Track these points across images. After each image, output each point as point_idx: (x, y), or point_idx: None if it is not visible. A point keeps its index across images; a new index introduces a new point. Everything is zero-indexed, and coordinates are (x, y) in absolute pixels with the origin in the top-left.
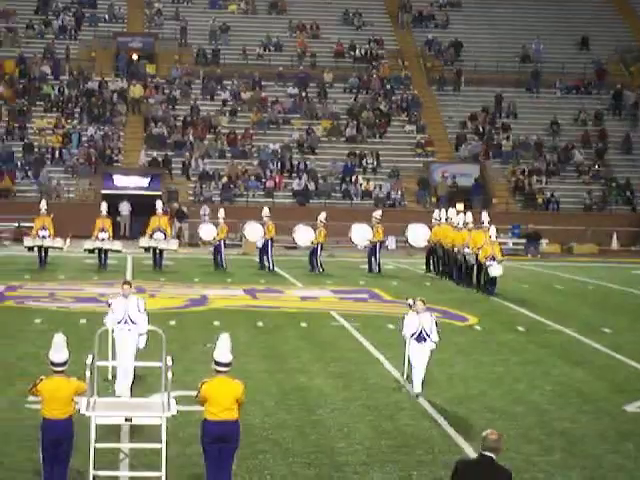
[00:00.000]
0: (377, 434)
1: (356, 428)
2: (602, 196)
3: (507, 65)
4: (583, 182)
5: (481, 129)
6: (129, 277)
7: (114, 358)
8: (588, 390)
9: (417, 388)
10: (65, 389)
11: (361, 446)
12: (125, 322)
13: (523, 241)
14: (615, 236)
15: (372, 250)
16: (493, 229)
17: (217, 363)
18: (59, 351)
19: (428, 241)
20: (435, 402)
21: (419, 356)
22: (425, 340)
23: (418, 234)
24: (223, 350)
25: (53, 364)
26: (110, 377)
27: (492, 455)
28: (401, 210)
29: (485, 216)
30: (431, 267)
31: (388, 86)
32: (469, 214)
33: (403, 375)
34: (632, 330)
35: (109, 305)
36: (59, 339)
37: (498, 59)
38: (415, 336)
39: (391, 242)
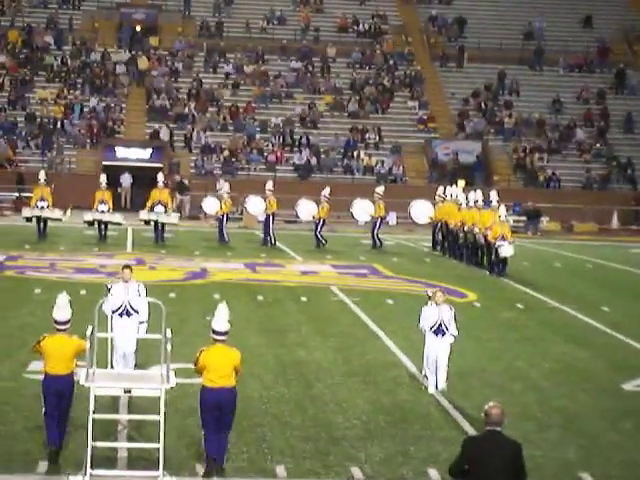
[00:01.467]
0: (375, 409)
1: (354, 403)
2: (603, 175)
3: (510, 42)
4: (584, 160)
5: (483, 106)
6: (129, 248)
7: (112, 347)
8: (586, 368)
9: (441, 383)
10: (67, 346)
11: (359, 421)
12: (125, 309)
13: (523, 219)
14: (615, 215)
15: (374, 226)
16: (503, 209)
17: (215, 332)
18: (62, 310)
19: (431, 218)
20: (433, 379)
21: (439, 350)
22: (444, 334)
23: (421, 211)
24: (221, 319)
25: (56, 322)
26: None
27: (498, 428)
28: (402, 186)
29: (494, 195)
30: (438, 245)
31: (391, 62)
32: (479, 192)
33: (422, 371)
34: (631, 308)
35: (108, 289)
36: (63, 298)
37: (501, 36)
38: (434, 329)
39: (392, 218)
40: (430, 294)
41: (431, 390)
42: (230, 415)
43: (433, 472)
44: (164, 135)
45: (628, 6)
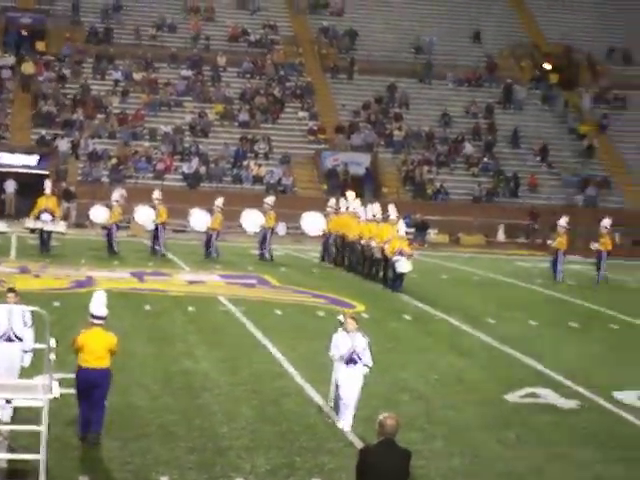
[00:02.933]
0: (262, 419)
1: (241, 413)
2: (490, 188)
3: (400, 55)
4: (472, 174)
5: (373, 118)
6: (13, 256)
7: None
8: (471, 379)
9: (347, 426)
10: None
11: (245, 431)
12: (8, 337)
13: (412, 230)
14: (502, 228)
15: (264, 236)
16: (402, 223)
17: (92, 316)
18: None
19: (324, 230)
20: (320, 388)
21: (350, 382)
22: (356, 363)
23: (313, 222)
24: (98, 304)
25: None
26: None
27: (392, 438)
28: (292, 196)
29: (393, 209)
30: (328, 257)
31: (282, 72)
32: (377, 205)
33: (329, 402)
34: (516, 321)
35: None
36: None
37: (392, 49)
38: (345, 359)
39: (281, 228)
40: (342, 320)
41: (342, 426)
42: (102, 393)
43: None
44: (62, 145)
45: (516, 22)
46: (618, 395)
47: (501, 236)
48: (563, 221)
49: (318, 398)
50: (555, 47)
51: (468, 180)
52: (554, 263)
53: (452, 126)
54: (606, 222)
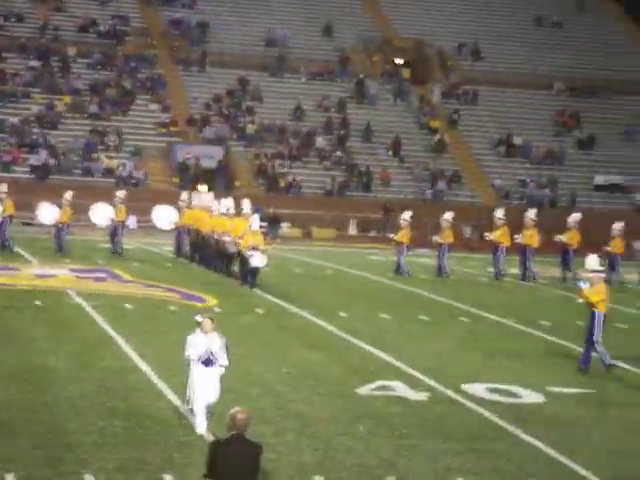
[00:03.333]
0: (111, 415)
1: (90, 408)
2: (342, 182)
3: (253, 49)
4: (324, 168)
5: (226, 111)
6: None
7: None
8: (323, 372)
9: (201, 427)
10: None
11: (94, 427)
12: None
13: (265, 224)
14: (354, 222)
15: (114, 230)
16: (255, 217)
17: None
18: None
19: (176, 224)
20: (171, 383)
21: (206, 384)
22: (213, 364)
23: (165, 216)
24: None
25: None
26: None
27: (242, 432)
28: (144, 189)
29: (247, 203)
30: (182, 250)
31: (133, 64)
32: (230, 199)
33: (186, 403)
34: (367, 314)
35: None
36: None
37: (244, 42)
38: (202, 359)
39: (132, 222)
40: (199, 320)
41: (199, 428)
42: None
43: (169, 477)
44: None
45: (367, 17)
46: (467, 387)
47: (353, 230)
48: (406, 215)
49: (169, 392)
50: (406, 42)
51: (321, 174)
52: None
53: (305, 120)
54: (448, 215)
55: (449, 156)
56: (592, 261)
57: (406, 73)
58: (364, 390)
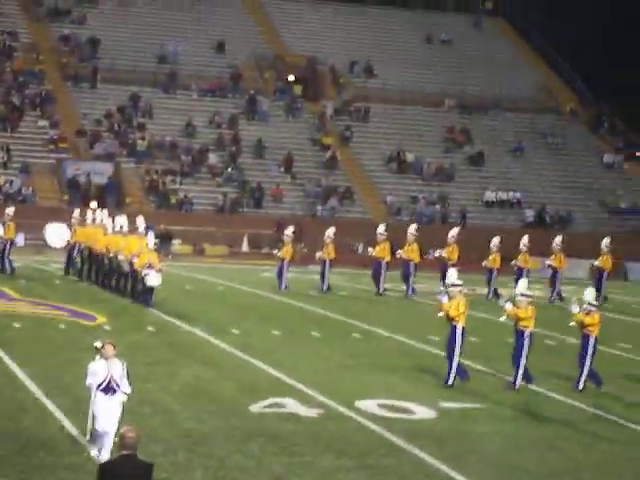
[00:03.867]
0: None
1: None
2: (234, 198)
3: (144, 65)
4: (216, 184)
5: (116, 127)
6: None
7: None
8: (215, 390)
9: (106, 453)
10: None
11: None
12: None
13: (156, 241)
14: (246, 238)
15: (3, 248)
16: (151, 235)
17: None
18: None
19: (68, 242)
20: (60, 403)
21: (108, 412)
22: (115, 392)
23: (56, 233)
24: None
25: None
26: None
27: (132, 452)
28: (32, 206)
29: (141, 221)
30: (73, 268)
31: (21, 80)
32: (124, 217)
33: (86, 434)
34: (260, 330)
35: None
36: None
37: (135, 58)
38: (102, 387)
39: (20, 239)
40: (99, 346)
41: (101, 457)
42: None
43: None
44: None
45: (260, 34)
46: (359, 404)
47: (245, 246)
48: (289, 231)
49: (58, 413)
50: (299, 59)
51: (212, 190)
52: (279, 272)
53: (196, 136)
54: (330, 231)
55: (341, 172)
56: (452, 275)
57: (298, 90)
58: (256, 407)
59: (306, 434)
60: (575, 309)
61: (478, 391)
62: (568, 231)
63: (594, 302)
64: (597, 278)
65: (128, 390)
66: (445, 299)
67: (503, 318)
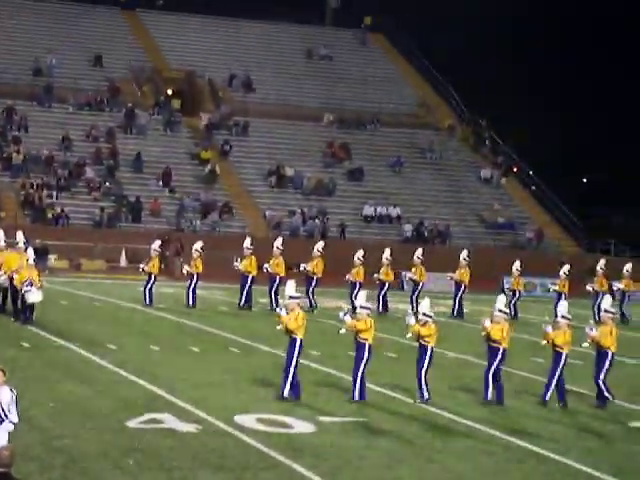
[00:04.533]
0: None
1: None
2: (112, 213)
3: (19, 77)
4: (94, 198)
5: None
6: None
7: None
8: (91, 406)
9: None
10: None
11: None
12: None
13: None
14: (124, 253)
15: None
16: (30, 251)
17: None
18: None
19: None
20: None
21: None
22: (2, 421)
23: None
24: None
25: None
26: None
27: (7, 470)
28: None
29: (20, 236)
30: None
31: None
32: (1, 232)
33: None
34: (136, 346)
35: None
36: None
37: (11, 71)
38: None
39: None
40: None
41: None
42: None
43: None
44: None
45: (138, 47)
46: (238, 418)
47: (123, 261)
48: (155, 245)
49: None
50: (177, 73)
51: (90, 205)
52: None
53: (73, 150)
54: (198, 245)
55: (220, 187)
56: (289, 288)
57: (177, 104)
58: (133, 423)
59: (184, 449)
60: (411, 320)
61: (357, 405)
62: (446, 245)
63: (429, 313)
64: (455, 291)
65: (16, 419)
66: (283, 312)
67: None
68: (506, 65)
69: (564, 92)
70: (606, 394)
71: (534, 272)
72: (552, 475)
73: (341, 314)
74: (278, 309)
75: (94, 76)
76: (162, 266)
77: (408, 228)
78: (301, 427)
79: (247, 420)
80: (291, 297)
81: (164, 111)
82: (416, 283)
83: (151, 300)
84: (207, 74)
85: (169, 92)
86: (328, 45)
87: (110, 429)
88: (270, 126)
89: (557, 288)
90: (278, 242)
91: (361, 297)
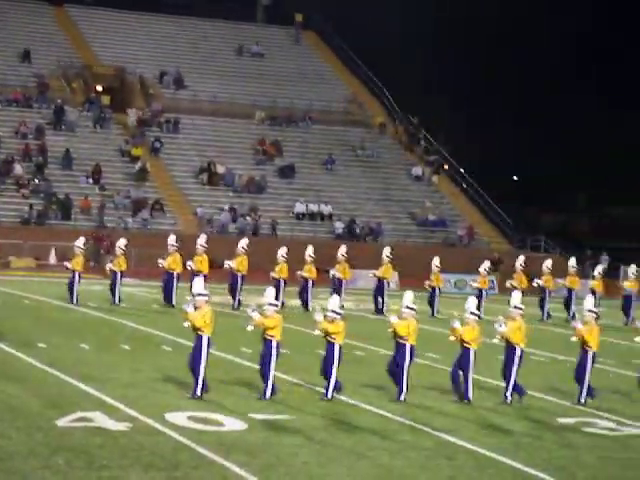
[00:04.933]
0: None
1: None
2: (41, 210)
3: None
4: (23, 196)
5: None
6: None
7: None
8: (20, 405)
9: None
10: None
11: None
12: None
13: None
14: (53, 251)
15: None
16: None
17: None
18: None
19: None
20: None
21: None
22: None
23: None
24: None
25: None
26: None
27: None
28: None
29: None
30: None
31: None
32: None
33: None
34: (66, 344)
35: None
36: None
37: None
38: None
39: None
40: None
41: None
42: None
43: None
44: None
45: (67, 43)
46: (169, 416)
47: (53, 259)
48: (80, 242)
49: None
50: (107, 69)
51: (18, 202)
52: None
53: (1, 147)
54: (121, 242)
55: (151, 184)
56: (197, 285)
57: (106, 100)
58: (63, 422)
59: (114, 448)
60: (319, 317)
61: (288, 402)
62: (378, 242)
63: (338, 310)
64: (377, 287)
65: None
66: (190, 308)
67: (317, 332)
68: (442, 65)
69: (495, 91)
70: (517, 389)
71: (465, 270)
72: (483, 470)
73: (249, 310)
74: (185, 306)
75: (22, 72)
76: (91, 264)
77: (339, 225)
78: (232, 425)
79: (178, 418)
80: (199, 294)
81: (94, 108)
82: (340, 280)
83: (77, 298)
84: (138, 70)
85: (99, 88)
86: (259, 42)
87: (39, 428)
88: (201, 123)
89: (478, 285)
90: (243, 242)
91: (269, 294)
